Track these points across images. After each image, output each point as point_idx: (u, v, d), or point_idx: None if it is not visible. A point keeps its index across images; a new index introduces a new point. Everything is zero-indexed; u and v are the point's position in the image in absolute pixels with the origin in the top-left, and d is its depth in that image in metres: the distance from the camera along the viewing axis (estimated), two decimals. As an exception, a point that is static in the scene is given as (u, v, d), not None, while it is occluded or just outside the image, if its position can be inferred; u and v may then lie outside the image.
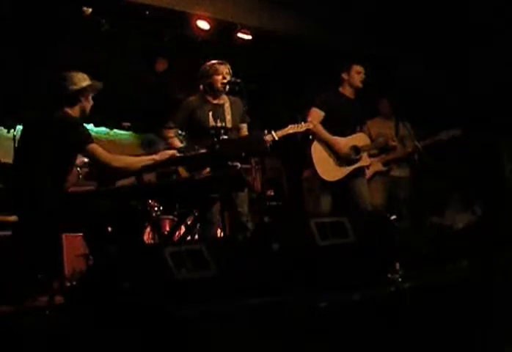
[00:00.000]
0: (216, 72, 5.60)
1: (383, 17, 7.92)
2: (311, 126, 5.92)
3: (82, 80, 4.63)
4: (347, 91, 6.39)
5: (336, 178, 6.18)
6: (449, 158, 7.76)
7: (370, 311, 3.59)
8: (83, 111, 4.66)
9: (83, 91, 4.61)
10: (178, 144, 5.51)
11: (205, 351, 3.01)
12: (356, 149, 6.24)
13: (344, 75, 6.36)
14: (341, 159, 6.21)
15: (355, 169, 6.25)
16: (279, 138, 5.55)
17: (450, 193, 7.80)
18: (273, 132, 5.54)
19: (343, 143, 6.23)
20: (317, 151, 6.21)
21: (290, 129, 5.71)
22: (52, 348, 3.18)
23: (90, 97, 4.69)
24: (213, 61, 5.65)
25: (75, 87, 4.58)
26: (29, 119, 4.75)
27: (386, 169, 7.01)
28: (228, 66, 5.64)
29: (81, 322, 3.35)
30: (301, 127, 5.79)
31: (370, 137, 6.77)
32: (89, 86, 4.64)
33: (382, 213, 6.37)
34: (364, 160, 6.31)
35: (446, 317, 3.91)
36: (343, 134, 6.27)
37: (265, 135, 5.47)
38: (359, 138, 6.36)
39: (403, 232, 5.97)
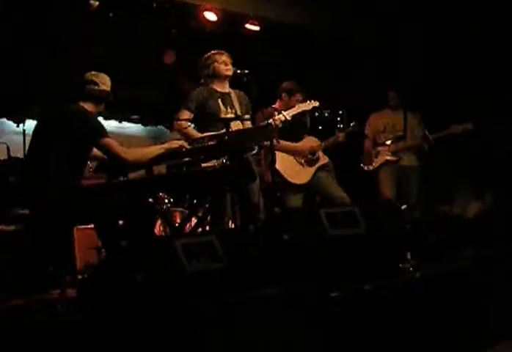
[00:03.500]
0: (216, 60, 5.62)
1: (390, 10, 7.90)
2: (317, 103, 5.95)
3: (109, 84, 4.78)
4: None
5: (305, 180, 6.41)
6: (459, 147, 7.74)
7: (381, 300, 3.59)
8: (99, 111, 4.78)
9: (108, 94, 4.75)
10: (196, 133, 5.48)
11: (218, 342, 3.02)
12: (311, 150, 6.41)
13: (284, 96, 6.46)
14: (304, 162, 6.43)
15: (318, 168, 6.45)
16: (291, 117, 5.59)
17: (460, 182, 7.79)
18: (283, 112, 5.58)
19: (300, 147, 6.42)
20: (280, 159, 6.24)
21: (299, 108, 5.77)
22: (64, 342, 3.19)
23: (105, 102, 4.80)
24: (211, 52, 5.68)
25: (106, 88, 4.73)
26: (44, 111, 4.78)
27: (396, 159, 7.01)
28: (227, 54, 5.65)
29: (93, 315, 3.36)
30: (309, 104, 5.85)
31: (370, 131, 6.88)
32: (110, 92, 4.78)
33: (392, 203, 6.37)
34: (323, 158, 6.52)
35: (457, 307, 3.91)
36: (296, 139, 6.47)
37: (275, 115, 5.50)
38: (310, 141, 6.55)
39: (414, 222, 5.96)
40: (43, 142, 4.57)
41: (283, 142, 6.22)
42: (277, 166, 6.14)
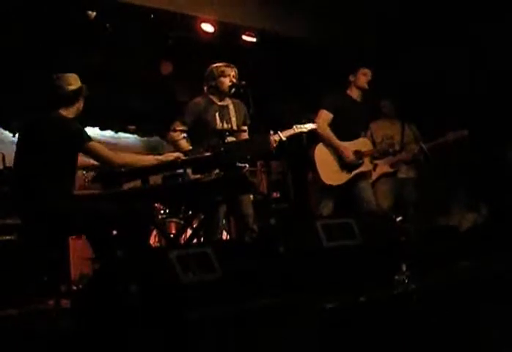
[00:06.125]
0: (223, 74, 5.61)
1: (386, 19, 7.92)
2: (316, 126, 5.91)
3: (77, 81, 4.67)
4: (354, 93, 6.42)
5: (338, 183, 6.21)
6: (455, 158, 7.74)
7: (376, 312, 3.58)
8: (77, 111, 4.69)
9: (79, 91, 4.65)
10: (187, 146, 5.49)
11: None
12: (359, 154, 6.25)
13: (351, 77, 6.40)
14: (344, 164, 6.22)
15: (357, 174, 6.26)
16: (286, 138, 5.55)
17: (456, 193, 7.79)
18: (279, 132, 5.53)
19: (348, 147, 6.24)
20: (321, 154, 6.22)
21: (296, 129, 5.71)
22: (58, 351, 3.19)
23: (83, 99, 4.71)
24: (220, 64, 5.66)
25: (72, 87, 4.61)
26: (25, 121, 4.74)
27: (393, 171, 6.99)
28: (235, 69, 5.64)
29: (88, 325, 3.35)
30: (307, 127, 5.79)
31: (374, 140, 6.80)
32: (83, 85, 4.68)
33: (388, 215, 6.36)
34: (366, 165, 6.33)
35: (453, 319, 3.90)
36: (349, 136, 6.27)
37: (271, 135, 5.46)
38: (362, 143, 6.38)
39: (410, 234, 5.96)
40: (30, 153, 4.53)
41: (334, 138, 6.21)
42: (316, 161, 6.13)
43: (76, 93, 4.63)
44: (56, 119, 4.56)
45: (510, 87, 7.43)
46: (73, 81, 4.64)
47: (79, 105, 4.68)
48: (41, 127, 4.57)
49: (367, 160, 6.34)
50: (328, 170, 6.20)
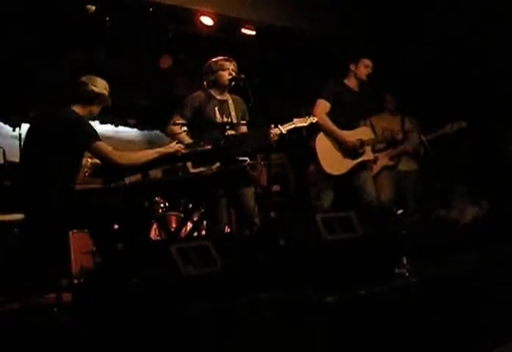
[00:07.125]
0: (222, 67, 5.60)
1: (386, 13, 7.91)
2: (315, 120, 5.90)
3: (104, 86, 4.68)
4: (352, 83, 6.40)
5: (340, 172, 6.18)
6: (456, 151, 7.74)
7: (377, 305, 3.58)
8: (89, 113, 4.68)
9: (101, 96, 4.65)
10: (187, 139, 5.48)
11: (214, 347, 3.01)
12: (361, 143, 6.24)
13: (351, 66, 6.38)
14: (346, 153, 6.21)
15: (359, 163, 6.25)
16: (286, 131, 5.54)
17: (457, 186, 7.79)
18: (279, 126, 5.53)
19: (349, 136, 6.22)
20: (322, 144, 6.20)
21: (296, 122, 5.70)
22: (59, 346, 3.19)
23: (100, 107, 4.72)
24: (219, 58, 5.65)
25: (96, 89, 4.62)
26: (36, 115, 4.73)
27: (394, 164, 6.99)
28: (234, 63, 5.64)
29: (89, 319, 3.36)
30: (306, 120, 5.78)
31: (375, 132, 6.78)
32: (107, 95, 4.69)
33: (389, 207, 6.36)
34: (368, 154, 6.31)
35: (453, 312, 3.91)
36: (347, 126, 6.27)
37: (271, 129, 5.45)
38: (364, 132, 6.37)
39: (411, 227, 5.96)
40: (36, 147, 4.53)
41: (333, 126, 6.18)
42: (318, 151, 6.11)
43: (96, 96, 4.63)
44: (66, 115, 4.56)
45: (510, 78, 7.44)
46: (100, 85, 4.65)
47: (93, 109, 4.68)
48: (50, 122, 4.57)
49: (368, 149, 6.32)
50: (330, 160, 6.18)
